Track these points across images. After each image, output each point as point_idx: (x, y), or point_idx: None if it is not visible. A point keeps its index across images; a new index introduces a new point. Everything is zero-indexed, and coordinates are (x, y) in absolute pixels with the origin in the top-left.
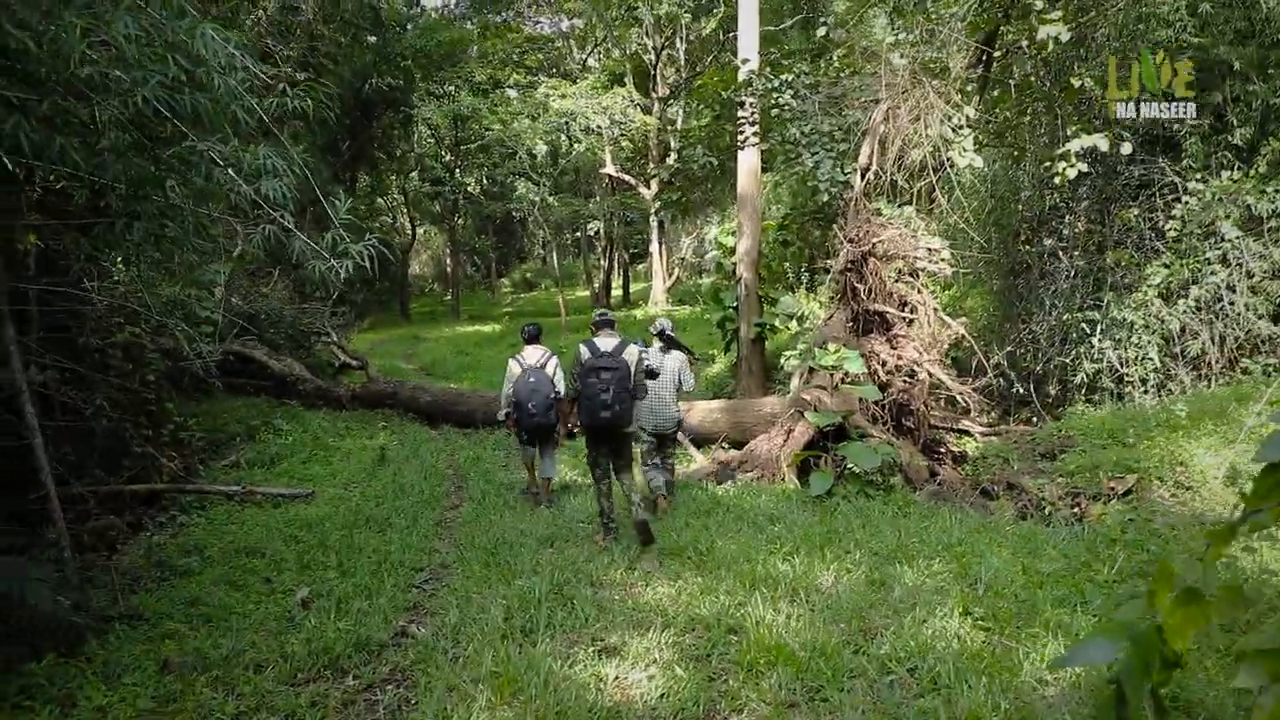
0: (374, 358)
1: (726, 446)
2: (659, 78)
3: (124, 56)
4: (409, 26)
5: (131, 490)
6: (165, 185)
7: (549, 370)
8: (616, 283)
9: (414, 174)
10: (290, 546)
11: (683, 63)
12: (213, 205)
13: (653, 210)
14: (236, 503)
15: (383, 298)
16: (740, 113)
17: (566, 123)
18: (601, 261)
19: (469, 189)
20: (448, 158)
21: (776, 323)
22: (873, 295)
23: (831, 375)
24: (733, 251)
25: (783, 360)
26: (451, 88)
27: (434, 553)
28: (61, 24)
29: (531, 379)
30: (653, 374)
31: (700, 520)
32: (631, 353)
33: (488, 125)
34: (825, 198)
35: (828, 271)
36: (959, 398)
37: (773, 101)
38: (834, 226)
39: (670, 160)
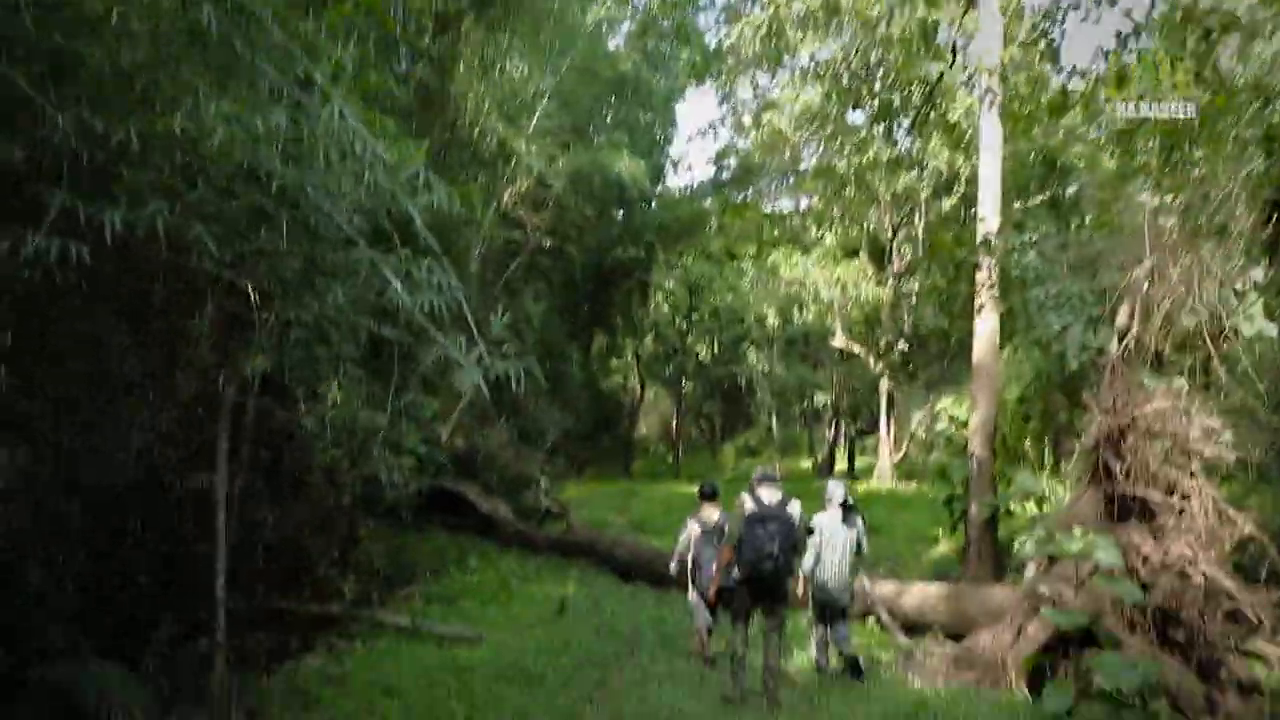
0: (586, 509)
1: (941, 638)
2: (895, 253)
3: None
4: (653, 203)
5: (308, 611)
6: (316, 288)
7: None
8: (841, 455)
9: (648, 338)
10: (427, 692)
11: (921, 238)
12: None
13: (882, 380)
14: (405, 636)
15: (608, 454)
16: (978, 275)
17: (798, 290)
18: (827, 433)
19: (699, 355)
20: (681, 324)
21: (1012, 505)
22: (1132, 477)
23: (1077, 567)
24: (965, 425)
25: (1016, 546)
26: (689, 259)
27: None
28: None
29: (716, 541)
30: (810, 531)
31: None
32: (795, 507)
33: (720, 293)
34: (1074, 365)
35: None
36: (1246, 610)
37: (1014, 263)
38: (1084, 398)
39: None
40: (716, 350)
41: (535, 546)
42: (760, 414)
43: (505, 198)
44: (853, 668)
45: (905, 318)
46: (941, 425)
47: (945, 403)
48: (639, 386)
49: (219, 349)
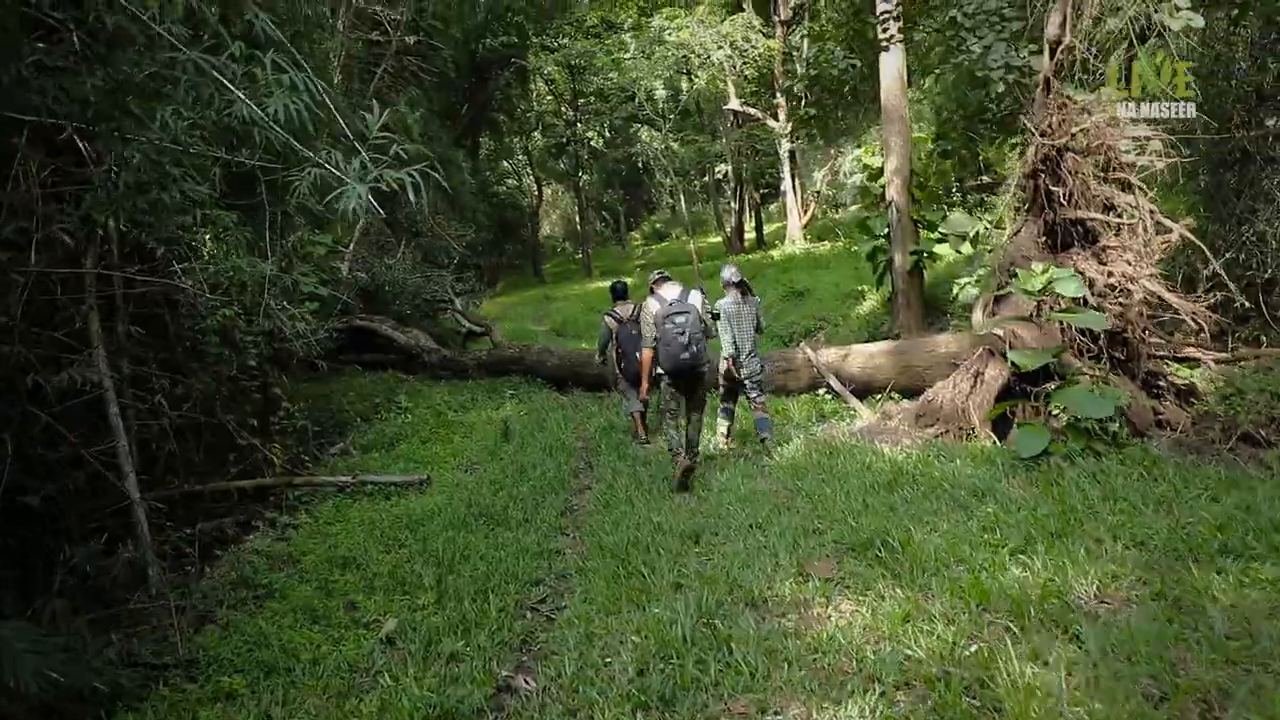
0: (505, 321)
1: (896, 396)
2: (780, 1)
3: None
4: None
5: (239, 489)
6: (132, 111)
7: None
8: (749, 225)
9: (536, 133)
10: (388, 555)
11: None
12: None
13: (783, 141)
14: (348, 495)
15: (515, 261)
16: (881, 4)
17: (685, 57)
18: (732, 204)
19: (592, 143)
20: (567, 113)
21: (935, 249)
22: (1073, 200)
23: (1039, 304)
24: (879, 173)
25: (955, 289)
26: (565, 39)
27: (555, 556)
28: None
29: (634, 330)
30: (716, 316)
31: (881, 498)
32: (695, 298)
33: (603, 69)
34: (1000, 88)
35: (988, 187)
36: (1187, 319)
37: None
38: (1017, 121)
39: (799, 72)
40: (608, 135)
41: (464, 371)
42: (663, 196)
43: None
44: (763, 444)
45: (798, 69)
46: (855, 177)
47: (856, 152)
48: (536, 186)
49: (47, 213)
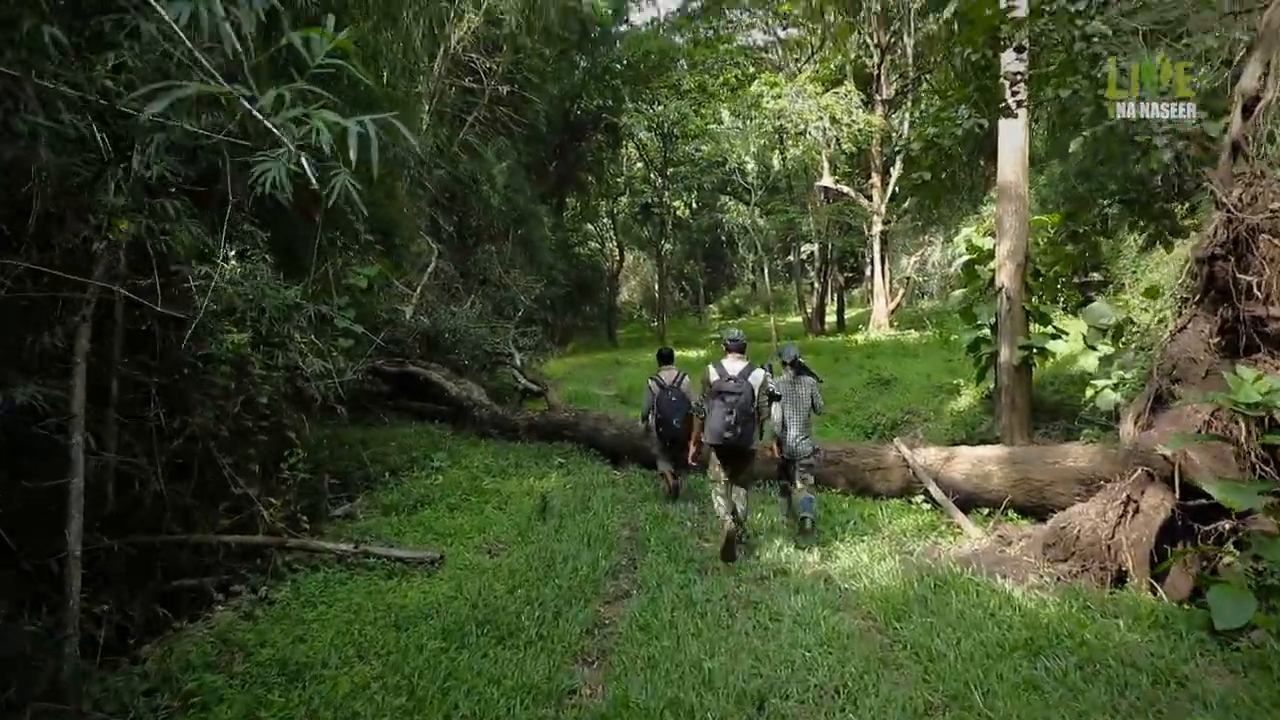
0: (569, 383)
1: (1014, 517)
2: (882, 78)
3: None
4: (617, 45)
5: (225, 543)
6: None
7: (683, 387)
8: (830, 308)
9: (622, 198)
10: (354, 668)
11: (910, 62)
12: None
13: (875, 221)
14: (346, 566)
15: (591, 323)
16: (1007, 62)
17: (780, 127)
18: (815, 285)
19: (677, 211)
20: (656, 179)
21: (1048, 345)
22: (1267, 294)
23: (1245, 421)
24: (989, 256)
25: (1090, 392)
26: (660, 105)
27: (565, 700)
28: None
29: (673, 398)
30: (775, 398)
31: (1018, 667)
32: (756, 377)
33: (694, 135)
34: (1167, 156)
35: (1097, 285)
36: None
37: (1066, 35)
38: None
39: (908, 136)
40: (695, 204)
41: (513, 432)
42: (744, 271)
43: (453, 40)
44: (804, 521)
45: (896, 151)
46: (958, 261)
47: (966, 232)
48: (617, 250)
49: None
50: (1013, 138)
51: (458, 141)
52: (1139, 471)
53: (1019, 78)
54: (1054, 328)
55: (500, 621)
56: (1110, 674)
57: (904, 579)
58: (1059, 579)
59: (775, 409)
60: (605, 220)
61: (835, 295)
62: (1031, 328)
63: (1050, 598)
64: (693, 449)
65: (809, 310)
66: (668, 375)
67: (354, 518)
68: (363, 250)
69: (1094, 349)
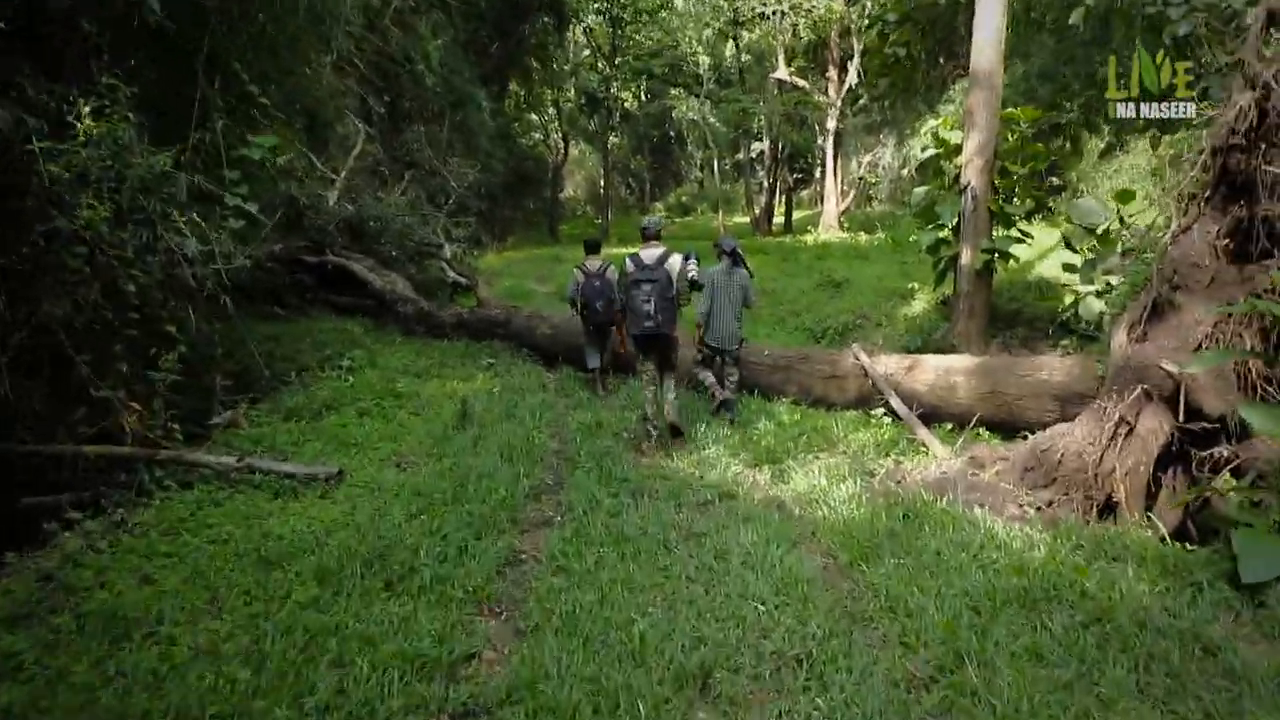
0: (505, 278)
1: (986, 434)
2: None
3: None
4: None
5: (83, 454)
6: None
7: (608, 275)
8: (779, 209)
9: (568, 87)
10: (194, 625)
11: None
12: None
13: (830, 117)
14: (227, 484)
15: (533, 217)
16: None
17: (736, 8)
18: (765, 183)
19: (625, 103)
20: (604, 68)
21: (1012, 249)
22: None
23: (1255, 334)
24: (956, 151)
25: (1068, 299)
26: None
27: (456, 673)
28: None
29: (596, 283)
30: (696, 285)
31: (1015, 625)
32: (673, 263)
33: (645, 18)
34: (1183, 30)
35: (1056, 190)
36: None
37: None
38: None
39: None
40: (644, 95)
41: (440, 329)
42: (692, 169)
43: None
44: (724, 405)
45: (855, 41)
46: (926, 152)
47: (930, 124)
48: (562, 142)
49: None
50: (990, 19)
51: (389, 14)
52: (1137, 390)
53: None
54: (1018, 230)
55: (392, 559)
56: (1126, 639)
57: (869, 508)
58: (1039, 508)
59: (702, 299)
60: (550, 110)
61: (784, 196)
62: (996, 231)
63: (1037, 535)
64: (617, 337)
65: (757, 210)
66: (593, 264)
67: (237, 425)
68: (258, 115)
69: (1073, 250)
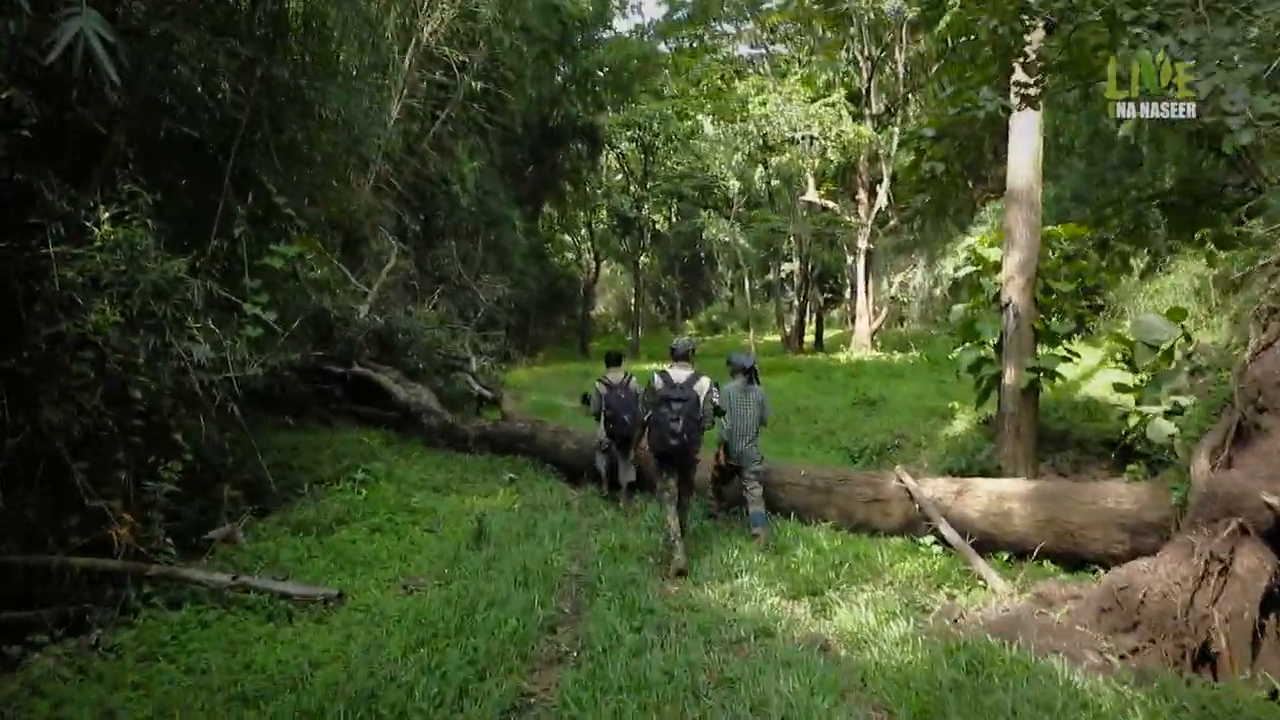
0: (535, 392)
1: (1052, 569)
2: (872, 93)
3: None
4: (599, 50)
5: (68, 566)
6: None
7: (630, 386)
8: (809, 328)
9: (601, 209)
10: None
11: (901, 78)
12: None
13: (861, 238)
14: (220, 603)
15: (564, 335)
16: (1033, 43)
17: (765, 134)
18: (795, 302)
19: (656, 225)
20: (636, 190)
21: (1059, 368)
22: None
23: None
24: (995, 267)
25: (1133, 420)
26: (642, 108)
27: None
28: None
29: (622, 395)
30: (719, 412)
31: None
32: (703, 385)
33: (676, 143)
34: (1245, 139)
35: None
36: None
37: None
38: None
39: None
40: (674, 217)
41: (463, 442)
42: (722, 288)
43: (425, 32)
44: (756, 519)
45: (884, 165)
46: (964, 269)
47: (967, 241)
48: (594, 261)
49: None
50: (1026, 138)
51: (428, 139)
52: (1231, 524)
53: (1035, 64)
54: (1065, 349)
55: (383, 700)
56: None
57: (925, 652)
58: (1123, 655)
59: (725, 419)
60: (583, 231)
61: (814, 315)
62: (1040, 350)
63: (1129, 692)
64: (634, 451)
65: (788, 329)
66: (615, 376)
67: (233, 541)
68: (285, 226)
69: (1132, 369)
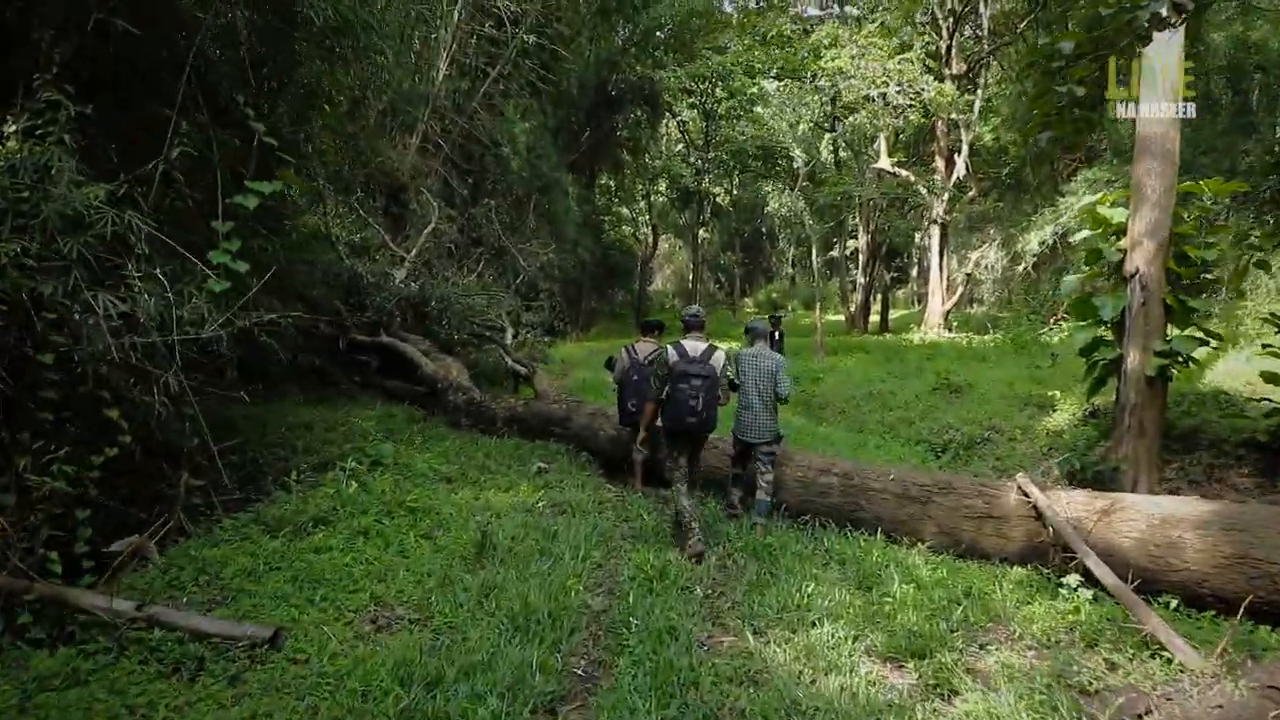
0: (581, 368)
1: (1235, 617)
2: (953, 52)
3: None
4: (660, 5)
5: None
6: None
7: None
8: (874, 307)
9: (661, 181)
10: None
11: (986, 33)
12: None
13: (937, 207)
14: (112, 645)
15: (619, 310)
16: None
17: (836, 92)
18: (860, 280)
19: (717, 198)
20: (696, 161)
21: (1195, 351)
22: None
23: None
24: (1119, 232)
25: None
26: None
27: None
28: None
29: (634, 376)
30: (734, 386)
31: None
32: (719, 359)
33: (739, 110)
34: None
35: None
36: None
37: None
38: None
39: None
40: (735, 191)
41: (491, 423)
42: (783, 265)
43: None
44: (752, 508)
45: (963, 132)
46: (1082, 233)
47: (1086, 200)
48: (652, 235)
49: None
50: (1162, 68)
51: (478, 98)
52: None
53: None
54: (1200, 329)
55: None
56: None
57: None
58: None
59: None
60: (640, 203)
61: (880, 294)
62: (1171, 331)
63: None
64: (643, 434)
65: (852, 308)
66: (644, 347)
67: (146, 558)
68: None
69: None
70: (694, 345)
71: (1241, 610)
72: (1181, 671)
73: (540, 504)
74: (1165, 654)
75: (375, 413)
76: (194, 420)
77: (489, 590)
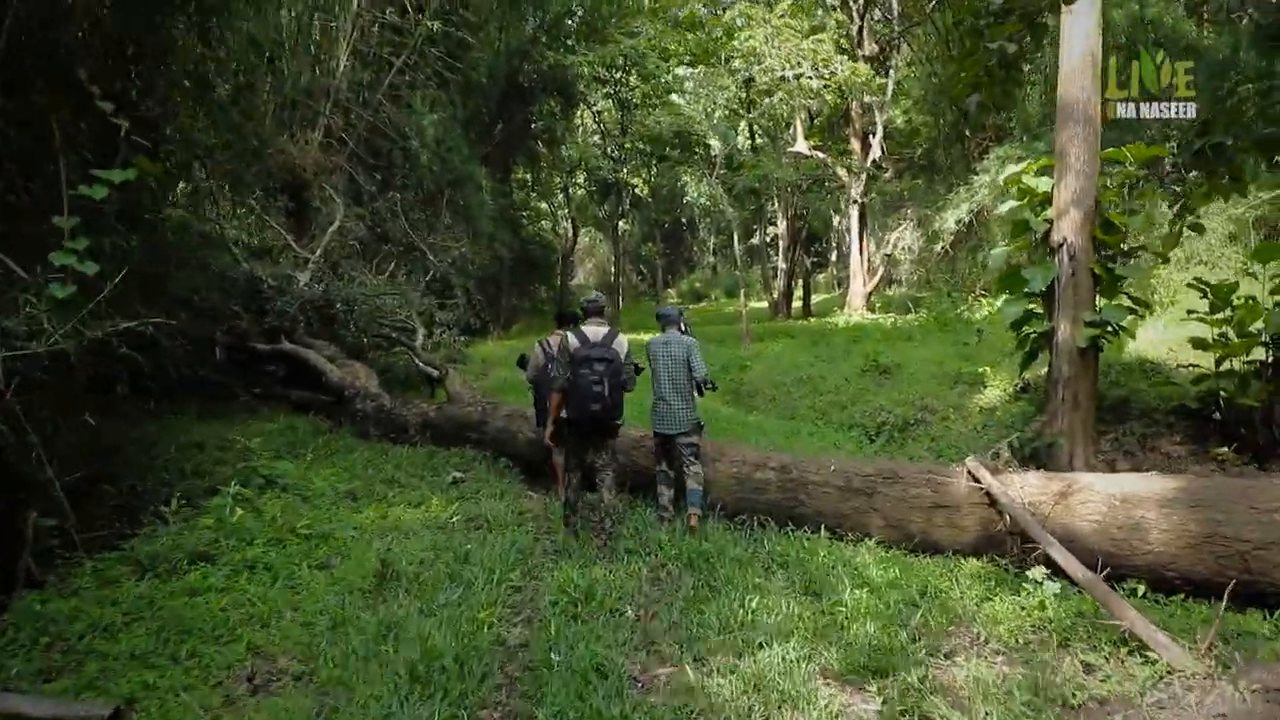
0: (502, 367)
1: (1206, 603)
2: (865, 33)
3: None
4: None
5: None
6: None
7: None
8: (797, 293)
9: (578, 173)
10: None
11: (896, 15)
12: None
13: (854, 188)
14: None
15: (541, 305)
16: None
17: (750, 77)
18: (780, 265)
19: (635, 189)
20: (613, 152)
21: (1125, 321)
22: None
23: None
24: (1044, 201)
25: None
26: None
27: None
28: None
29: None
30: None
31: None
32: (622, 343)
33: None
34: None
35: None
36: None
37: None
38: None
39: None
40: (653, 179)
41: (403, 430)
42: (704, 255)
43: None
44: (692, 496)
45: (877, 114)
46: (1006, 204)
47: (1011, 169)
48: (571, 229)
49: None
50: (1080, 38)
51: (383, 90)
52: None
53: None
54: (1128, 298)
55: None
56: None
57: None
58: None
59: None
60: (559, 196)
61: (802, 279)
62: (1100, 301)
63: None
64: (550, 429)
65: (775, 294)
66: (556, 340)
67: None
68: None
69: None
70: (595, 330)
71: (1224, 600)
72: (1169, 673)
73: (454, 519)
74: (1146, 652)
75: (276, 426)
76: (42, 448)
77: (388, 630)
